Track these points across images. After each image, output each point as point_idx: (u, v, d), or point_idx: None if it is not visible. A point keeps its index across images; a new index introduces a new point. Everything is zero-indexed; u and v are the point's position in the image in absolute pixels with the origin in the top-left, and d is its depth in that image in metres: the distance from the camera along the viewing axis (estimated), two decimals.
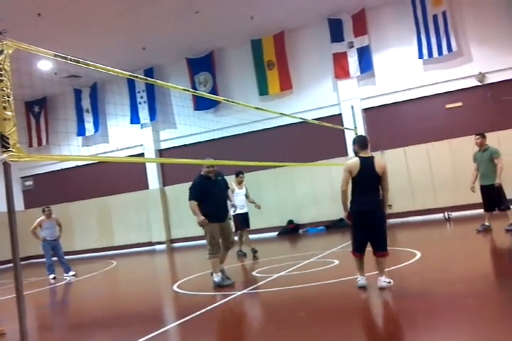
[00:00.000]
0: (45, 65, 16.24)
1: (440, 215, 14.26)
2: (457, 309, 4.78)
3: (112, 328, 6.10)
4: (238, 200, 10.98)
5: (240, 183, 11.53)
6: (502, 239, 9.16)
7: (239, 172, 11.46)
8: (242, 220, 11.44)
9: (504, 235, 9.27)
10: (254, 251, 11.34)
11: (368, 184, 6.04)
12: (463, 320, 4.44)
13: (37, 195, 20.76)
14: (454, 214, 14.08)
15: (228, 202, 8.66)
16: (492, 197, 9.77)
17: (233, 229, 9.25)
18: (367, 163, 6.02)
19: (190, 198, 7.80)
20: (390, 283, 5.91)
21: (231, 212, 10.76)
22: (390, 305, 5.67)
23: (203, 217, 7.62)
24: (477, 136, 10.04)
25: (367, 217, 5.99)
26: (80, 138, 19.91)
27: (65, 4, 13.07)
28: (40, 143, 20.28)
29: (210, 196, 7.83)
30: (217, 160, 8.62)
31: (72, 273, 12.03)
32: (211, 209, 7.78)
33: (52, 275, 11.90)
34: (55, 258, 12.14)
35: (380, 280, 5.95)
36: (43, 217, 12.17)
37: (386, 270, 6.09)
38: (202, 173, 8.08)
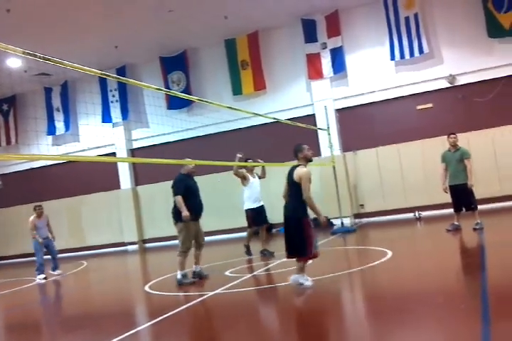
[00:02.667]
0: (14, 63, 15.93)
1: (411, 215, 14.45)
2: (427, 306, 4.84)
3: (82, 330, 6.01)
4: (254, 192, 10.04)
5: (251, 171, 10.26)
6: (470, 237, 9.32)
7: (247, 159, 10.17)
8: (260, 215, 10.11)
9: (472, 234, 9.44)
10: (265, 253, 10.04)
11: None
12: (432, 316, 4.49)
13: (6, 194, 20.32)
14: (425, 213, 14.29)
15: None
16: (460, 197, 9.91)
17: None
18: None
19: (177, 193, 8.01)
20: (302, 285, 6.28)
21: (245, 207, 10.19)
22: (360, 303, 5.72)
23: (188, 213, 7.77)
24: (454, 135, 10.10)
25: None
26: (51, 137, 19.58)
27: (35, 1, 12.82)
28: (8, 142, 19.86)
29: (191, 194, 8.13)
30: (190, 160, 8.61)
31: (58, 271, 11.95)
32: (192, 207, 8.01)
33: (42, 276, 11.56)
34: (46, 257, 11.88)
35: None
36: (34, 216, 11.71)
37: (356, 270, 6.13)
38: (183, 172, 8.22)
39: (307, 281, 6.29)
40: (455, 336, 3.98)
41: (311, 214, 6.36)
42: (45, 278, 11.46)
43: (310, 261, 6.59)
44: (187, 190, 8.03)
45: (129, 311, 7.01)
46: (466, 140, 13.32)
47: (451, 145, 10.14)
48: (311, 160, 6.65)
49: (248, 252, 10.17)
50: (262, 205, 10.21)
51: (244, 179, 10.13)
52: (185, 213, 7.79)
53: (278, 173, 16.83)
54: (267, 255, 9.96)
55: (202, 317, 6.03)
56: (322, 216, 6.39)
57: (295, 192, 6.37)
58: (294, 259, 6.50)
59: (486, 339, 3.67)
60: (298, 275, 6.36)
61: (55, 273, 11.86)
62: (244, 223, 10.47)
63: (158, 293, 7.61)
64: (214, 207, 16.42)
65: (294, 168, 6.54)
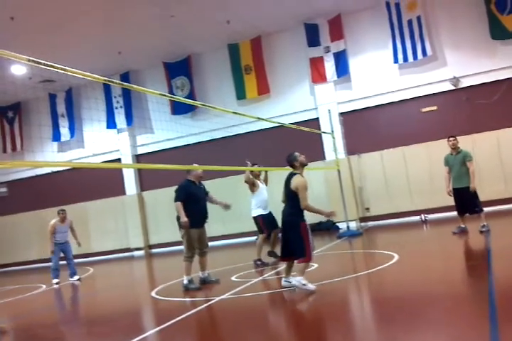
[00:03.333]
0: (18, 70, 16.00)
1: (417, 217, 14.40)
2: (435, 309, 4.80)
3: (89, 336, 6.01)
4: (263, 199, 9.81)
5: (258, 177, 10.06)
6: (477, 240, 9.27)
7: (253, 164, 10.03)
8: (271, 221, 9.84)
9: (479, 236, 9.40)
10: (272, 255, 9.90)
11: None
12: (440, 320, 4.47)
13: (11, 201, 20.40)
14: (431, 216, 14.24)
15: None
16: (464, 200, 9.85)
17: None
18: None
19: (177, 199, 8.01)
20: (305, 285, 6.28)
21: (254, 213, 9.98)
22: (368, 307, 5.69)
23: (186, 219, 7.79)
24: (453, 138, 10.06)
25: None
26: (56, 143, 19.66)
27: (38, 8, 12.87)
28: (14, 149, 19.97)
29: (194, 200, 8.07)
30: (197, 165, 8.61)
31: (76, 277, 11.76)
32: (194, 213, 8.00)
33: (56, 280, 11.46)
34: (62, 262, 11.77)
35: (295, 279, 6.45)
36: (56, 220, 11.54)
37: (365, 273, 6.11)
38: (189, 178, 8.20)
39: (309, 284, 6.29)
40: (463, 339, 3.95)
41: (314, 220, 6.41)
42: (57, 283, 11.35)
43: (310, 267, 6.59)
44: (189, 197, 7.99)
45: (136, 317, 7.00)
46: (471, 142, 13.32)
47: (451, 148, 10.11)
48: (306, 165, 6.80)
49: (263, 264, 9.72)
50: (271, 212, 9.98)
51: (253, 185, 10.00)
52: (183, 219, 7.80)
53: (283, 178, 16.84)
54: (273, 257, 9.79)
55: (209, 323, 6.01)
56: (325, 211, 6.63)
57: (292, 199, 6.53)
58: (290, 262, 6.65)
59: None
60: (299, 277, 6.37)
61: (74, 279, 11.68)
62: (249, 228, 10.27)
63: (165, 298, 7.60)
64: (218, 213, 16.42)
65: (291, 175, 6.66)
